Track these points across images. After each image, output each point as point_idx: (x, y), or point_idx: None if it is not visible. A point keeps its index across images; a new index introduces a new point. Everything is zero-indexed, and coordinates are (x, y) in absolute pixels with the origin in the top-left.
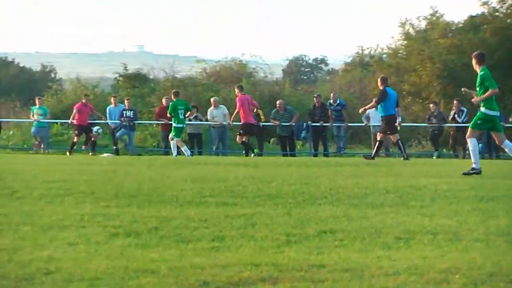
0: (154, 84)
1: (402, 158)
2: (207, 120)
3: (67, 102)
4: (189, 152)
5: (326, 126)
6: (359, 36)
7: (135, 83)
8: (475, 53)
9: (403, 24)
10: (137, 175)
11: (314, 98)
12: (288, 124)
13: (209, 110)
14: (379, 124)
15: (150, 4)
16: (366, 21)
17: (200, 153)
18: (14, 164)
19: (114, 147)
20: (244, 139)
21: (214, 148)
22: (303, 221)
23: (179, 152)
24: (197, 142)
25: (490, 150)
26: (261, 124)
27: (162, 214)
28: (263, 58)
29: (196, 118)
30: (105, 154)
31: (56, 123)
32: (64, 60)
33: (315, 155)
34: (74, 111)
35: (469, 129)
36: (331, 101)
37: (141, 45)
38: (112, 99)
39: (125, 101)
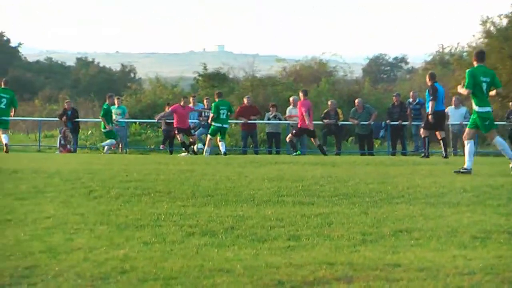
0: (234, 84)
1: (422, 156)
2: (286, 119)
3: (145, 102)
4: (207, 153)
5: (405, 125)
6: (440, 34)
7: (215, 82)
8: (475, 51)
9: (484, 22)
10: (214, 175)
11: (393, 97)
12: (366, 123)
13: (288, 109)
14: (458, 123)
15: (231, 4)
16: (447, 19)
17: (278, 152)
18: (92, 163)
19: (192, 146)
20: (293, 139)
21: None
22: (379, 220)
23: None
24: (275, 141)
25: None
26: (340, 123)
27: (238, 214)
28: (343, 57)
29: (275, 117)
30: (183, 154)
31: (135, 122)
32: (144, 60)
33: (393, 154)
34: (170, 112)
35: (487, 134)
36: (411, 100)
37: (221, 44)
38: (191, 99)
39: (204, 101)
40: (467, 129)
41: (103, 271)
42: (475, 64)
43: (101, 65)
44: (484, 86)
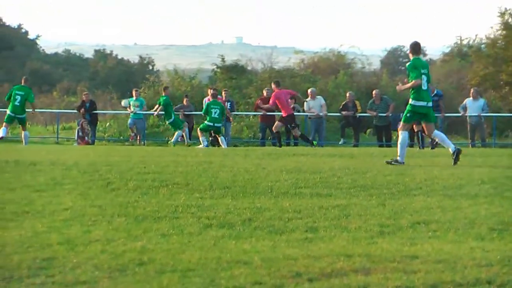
0: (252, 76)
1: (418, 148)
2: (304, 111)
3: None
4: (205, 143)
5: None
6: (458, 26)
7: (233, 74)
8: (411, 43)
9: (502, 14)
10: (233, 167)
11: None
12: (384, 114)
13: (306, 101)
14: (476, 114)
15: None
16: (465, 11)
17: (296, 144)
18: (110, 155)
19: (211, 138)
20: (298, 132)
21: (310, 139)
22: (397, 212)
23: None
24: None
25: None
26: (358, 115)
27: (256, 205)
28: (361, 49)
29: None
30: (201, 146)
31: (153, 114)
32: (162, 52)
33: (411, 146)
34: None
35: (401, 123)
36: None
37: (239, 36)
38: (209, 91)
39: (223, 93)
40: (423, 124)
41: (120, 263)
42: (411, 56)
43: (119, 57)
44: (424, 78)
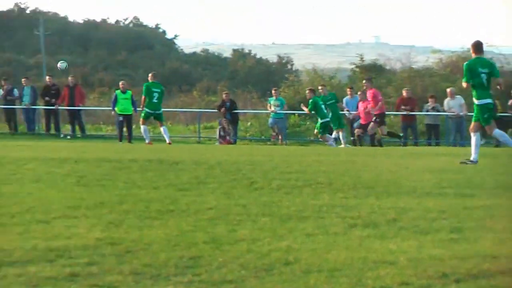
0: (391, 75)
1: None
2: (444, 111)
3: (303, 94)
4: (333, 143)
5: None
6: None
7: (372, 74)
8: (472, 42)
9: None
10: (375, 166)
11: None
12: None
13: (446, 100)
14: None
15: None
16: None
17: (437, 144)
18: (253, 155)
19: (352, 138)
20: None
21: (451, 138)
22: None
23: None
24: (434, 133)
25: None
26: (498, 115)
27: (400, 205)
28: (499, 48)
29: (433, 108)
30: (342, 145)
31: (294, 114)
32: (300, 51)
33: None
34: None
35: (486, 127)
36: None
37: (377, 35)
38: (348, 91)
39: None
40: (472, 122)
41: (266, 262)
42: (473, 55)
43: (257, 56)
44: (484, 77)
